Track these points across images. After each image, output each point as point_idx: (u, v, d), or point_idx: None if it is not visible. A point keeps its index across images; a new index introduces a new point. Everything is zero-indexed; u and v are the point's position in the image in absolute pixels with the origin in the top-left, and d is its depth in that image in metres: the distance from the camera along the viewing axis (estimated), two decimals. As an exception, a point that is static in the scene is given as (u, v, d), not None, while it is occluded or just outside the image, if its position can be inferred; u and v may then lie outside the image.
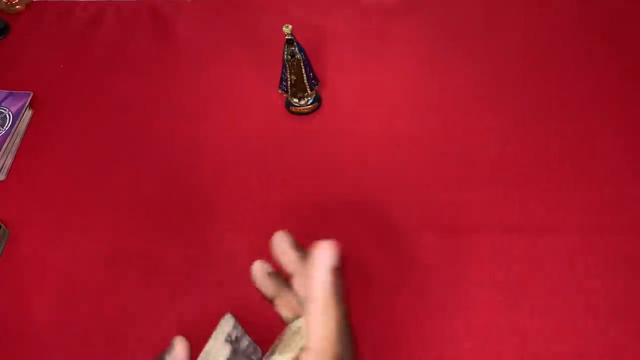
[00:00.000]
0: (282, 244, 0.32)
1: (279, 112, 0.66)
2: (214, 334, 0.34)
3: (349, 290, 0.49)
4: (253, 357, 0.34)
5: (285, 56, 0.58)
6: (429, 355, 0.48)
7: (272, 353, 0.29)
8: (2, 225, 0.58)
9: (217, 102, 0.68)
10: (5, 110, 0.67)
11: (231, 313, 0.35)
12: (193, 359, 0.33)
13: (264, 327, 0.34)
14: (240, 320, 0.35)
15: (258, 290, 0.34)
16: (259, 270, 0.35)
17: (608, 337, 0.48)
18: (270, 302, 0.34)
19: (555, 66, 0.66)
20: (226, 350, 0.33)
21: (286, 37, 0.56)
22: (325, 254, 0.26)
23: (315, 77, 0.62)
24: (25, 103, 0.68)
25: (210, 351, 0.33)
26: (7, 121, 0.66)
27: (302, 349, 0.26)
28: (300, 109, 0.64)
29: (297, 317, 0.31)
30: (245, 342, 0.34)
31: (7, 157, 0.65)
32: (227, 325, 0.34)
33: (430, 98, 0.65)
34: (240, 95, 0.68)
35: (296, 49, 0.57)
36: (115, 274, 0.55)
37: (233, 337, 0.34)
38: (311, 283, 0.26)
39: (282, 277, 0.33)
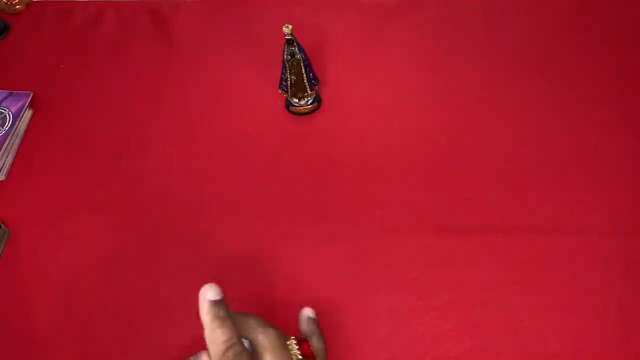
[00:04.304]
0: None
1: (279, 112, 0.66)
2: None
3: (351, 289, 0.49)
4: None
5: (285, 56, 0.57)
6: (428, 355, 0.48)
7: None
8: (2, 225, 0.58)
9: (217, 102, 0.68)
10: (5, 110, 0.67)
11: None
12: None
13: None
14: None
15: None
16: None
17: (608, 337, 0.48)
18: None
19: (554, 66, 0.66)
20: None
21: (286, 37, 0.56)
22: (203, 292, 0.33)
23: (315, 77, 0.62)
24: (25, 103, 0.68)
25: None
26: (7, 121, 0.66)
27: None
28: (300, 109, 0.64)
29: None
30: None
31: (7, 157, 0.65)
32: None
33: (430, 98, 0.65)
34: (240, 95, 0.68)
35: (296, 49, 0.57)
36: (115, 273, 0.55)
37: None
38: (200, 317, 0.33)
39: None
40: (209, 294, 0.33)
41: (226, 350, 0.31)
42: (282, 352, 0.33)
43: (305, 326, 0.38)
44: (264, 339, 0.33)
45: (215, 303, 0.33)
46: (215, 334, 0.32)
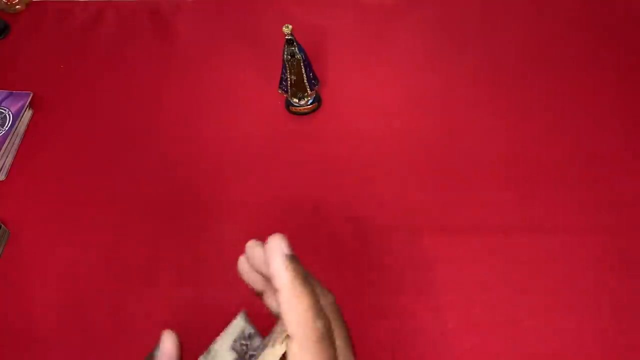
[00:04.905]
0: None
1: (279, 112, 0.66)
2: (224, 335, 0.32)
3: (349, 290, 0.49)
4: None
5: (285, 56, 0.57)
6: (428, 355, 0.48)
7: (264, 347, 0.29)
8: (2, 225, 0.58)
9: (217, 102, 0.68)
10: (5, 110, 0.67)
11: (244, 311, 0.33)
12: (195, 356, 0.33)
13: (271, 324, 0.34)
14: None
15: (247, 285, 0.34)
16: (244, 264, 0.34)
17: (608, 337, 0.48)
18: (259, 296, 0.34)
19: (554, 65, 0.66)
20: (231, 357, 0.31)
21: (286, 37, 0.56)
22: (276, 245, 0.26)
23: (315, 77, 0.62)
24: (25, 103, 0.68)
25: (216, 354, 0.31)
26: (7, 121, 0.66)
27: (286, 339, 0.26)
28: (300, 109, 0.64)
29: None
30: (256, 342, 0.33)
31: (7, 157, 0.65)
32: (237, 327, 0.32)
33: (430, 98, 0.65)
34: (240, 95, 0.68)
35: (296, 49, 0.57)
36: (115, 273, 0.55)
37: (245, 337, 0.32)
38: (273, 275, 0.26)
39: None
40: (283, 245, 0.26)
41: (315, 318, 0.24)
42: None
43: None
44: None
45: (293, 258, 0.26)
46: (297, 300, 0.25)
